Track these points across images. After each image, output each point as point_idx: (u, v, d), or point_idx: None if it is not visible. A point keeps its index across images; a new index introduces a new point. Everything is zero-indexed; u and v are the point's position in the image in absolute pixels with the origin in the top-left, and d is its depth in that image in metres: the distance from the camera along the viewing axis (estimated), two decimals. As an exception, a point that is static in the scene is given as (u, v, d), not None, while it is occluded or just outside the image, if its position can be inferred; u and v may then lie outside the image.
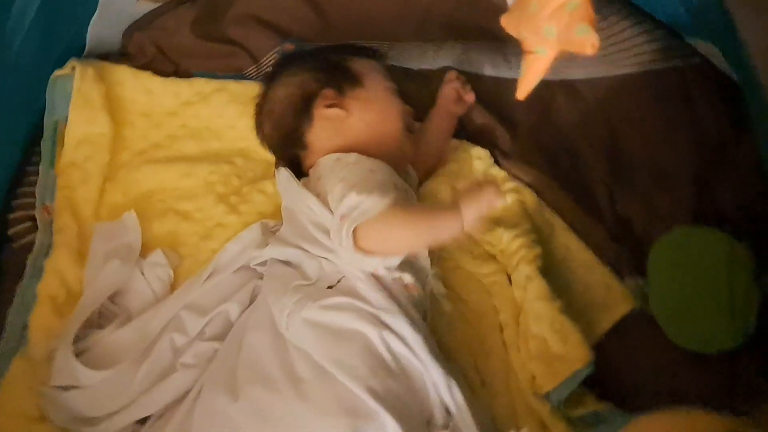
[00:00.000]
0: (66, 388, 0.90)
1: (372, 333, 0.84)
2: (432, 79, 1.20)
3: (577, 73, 1.15)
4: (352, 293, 0.87)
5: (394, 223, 0.87)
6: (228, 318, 0.96)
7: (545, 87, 1.13)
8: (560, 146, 1.13)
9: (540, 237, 1.03)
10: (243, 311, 0.96)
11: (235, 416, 0.81)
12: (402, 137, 1.05)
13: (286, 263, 0.95)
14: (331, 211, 0.91)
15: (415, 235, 0.89)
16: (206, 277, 0.98)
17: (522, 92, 0.83)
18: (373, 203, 0.86)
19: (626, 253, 1.04)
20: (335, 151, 0.99)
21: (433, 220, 0.89)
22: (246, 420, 0.81)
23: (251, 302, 0.97)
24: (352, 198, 0.87)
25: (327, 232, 0.91)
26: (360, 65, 1.07)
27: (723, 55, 1.05)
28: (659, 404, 0.92)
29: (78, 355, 0.92)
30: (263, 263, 0.99)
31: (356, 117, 1.02)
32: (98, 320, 0.98)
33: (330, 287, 0.89)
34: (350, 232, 0.85)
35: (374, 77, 1.06)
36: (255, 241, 1.01)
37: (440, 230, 0.88)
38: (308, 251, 0.92)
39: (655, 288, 0.98)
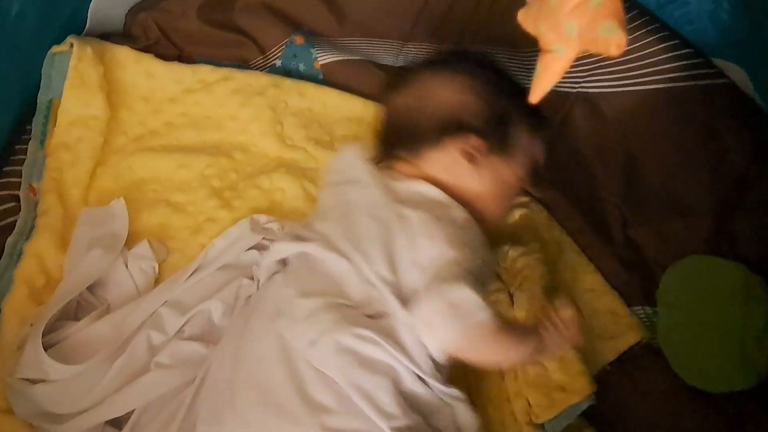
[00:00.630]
0: (33, 381, 0.85)
1: (402, 371, 0.78)
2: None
3: (595, 86, 1.10)
4: (393, 336, 0.78)
5: (487, 345, 0.80)
6: (209, 317, 0.91)
7: (562, 99, 1.11)
8: (573, 162, 1.09)
9: (546, 256, 0.98)
10: (226, 311, 0.91)
11: None
12: (492, 225, 0.93)
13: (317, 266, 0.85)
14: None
15: (498, 358, 0.83)
16: (190, 274, 0.94)
17: (536, 95, 0.77)
18: (478, 309, 0.77)
19: (636, 279, 1.00)
20: (440, 187, 0.88)
21: (519, 348, 0.82)
22: None
23: (236, 301, 0.92)
24: (466, 292, 0.77)
25: (394, 263, 0.82)
26: (523, 141, 0.93)
27: (751, 80, 1.00)
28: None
29: (50, 347, 0.87)
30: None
31: (476, 180, 0.89)
32: (75, 311, 0.93)
33: (370, 317, 0.80)
34: (457, 332, 0.77)
35: (522, 163, 0.94)
36: (243, 238, 0.96)
37: (519, 358, 0.84)
38: (360, 268, 0.81)
39: (664, 319, 0.94)
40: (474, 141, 0.89)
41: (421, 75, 0.95)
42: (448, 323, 0.77)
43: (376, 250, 0.81)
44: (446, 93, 0.91)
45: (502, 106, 0.92)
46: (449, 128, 0.89)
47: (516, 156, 0.92)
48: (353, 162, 0.92)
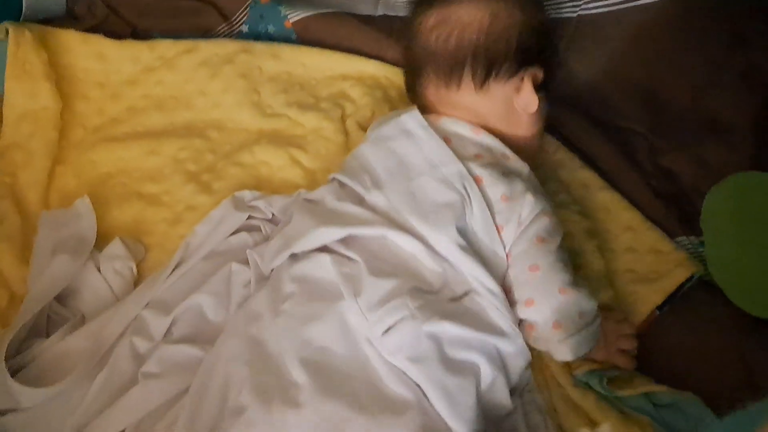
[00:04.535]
0: (2, 413, 0.73)
1: (486, 368, 0.71)
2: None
3: (597, 6, 0.99)
4: (480, 316, 0.72)
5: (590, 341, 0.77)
6: (201, 314, 0.80)
7: (563, 27, 1.00)
8: (586, 94, 0.99)
9: (572, 197, 0.89)
10: (219, 303, 0.80)
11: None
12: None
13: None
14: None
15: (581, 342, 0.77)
16: (173, 268, 0.82)
17: None
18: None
19: (673, 209, 0.91)
20: (492, 132, 0.82)
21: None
22: None
23: (230, 290, 0.81)
24: (591, 303, 0.76)
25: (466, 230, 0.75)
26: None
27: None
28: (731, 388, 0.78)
29: (18, 371, 0.75)
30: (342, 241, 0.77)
31: (526, 118, 0.86)
32: (46, 327, 0.81)
33: (453, 300, 0.73)
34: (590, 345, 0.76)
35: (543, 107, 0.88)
36: (227, 219, 0.85)
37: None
38: (432, 247, 0.73)
39: (712, 247, 0.84)
40: (540, 74, 0.86)
41: None
42: (585, 340, 0.75)
43: (447, 216, 0.74)
44: (516, 18, 0.84)
45: (550, 45, 0.89)
46: (527, 57, 0.83)
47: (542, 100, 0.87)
48: (400, 115, 0.82)
